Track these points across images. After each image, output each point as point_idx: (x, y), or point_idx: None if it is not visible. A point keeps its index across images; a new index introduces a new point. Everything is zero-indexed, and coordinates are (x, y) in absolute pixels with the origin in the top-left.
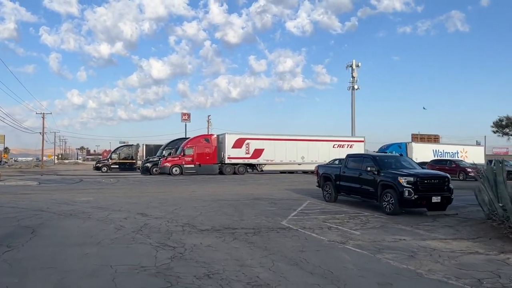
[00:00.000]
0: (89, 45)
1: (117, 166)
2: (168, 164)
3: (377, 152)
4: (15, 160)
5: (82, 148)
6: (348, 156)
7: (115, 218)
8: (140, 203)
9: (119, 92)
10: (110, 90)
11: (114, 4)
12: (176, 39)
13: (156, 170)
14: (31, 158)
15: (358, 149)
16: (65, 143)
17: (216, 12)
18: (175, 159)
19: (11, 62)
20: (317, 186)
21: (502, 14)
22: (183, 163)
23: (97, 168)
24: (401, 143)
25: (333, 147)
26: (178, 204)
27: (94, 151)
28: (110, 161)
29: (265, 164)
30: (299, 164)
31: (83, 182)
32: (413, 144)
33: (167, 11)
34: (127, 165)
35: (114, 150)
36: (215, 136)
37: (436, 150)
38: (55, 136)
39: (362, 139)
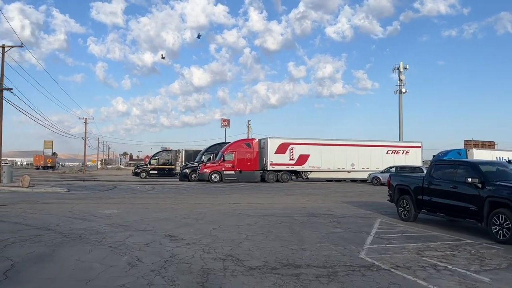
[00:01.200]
0: (133, 54)
1: (156, 172)
2: (207, 171)
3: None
4: (62, 165)
5: (125, 154)
6: (435, 163)
7: (133, 244)
8: (171, 219)
9: (162, 100)
10: (153, 98)
11: (157, 14)
12: (216, 47)
13: (194, 177)
14: (77, 163)
15: (415, 155)
16: (109, 148)
17: (256, 20)
18: (215, 165)
19: (61, 71)
20: (388, 200)
21: None
22: (223, 169)
23: (136, 174)
24: (460, 149)
25: (387, 153)
26: (218, 221)
27: (137, 156)
28: (149, 166)
29: (310, 171)
30: (348, 172)
31: (116, 189)
32: (474, 150)
33: (208, 20)
34: (166, 171)
35: (153, 156)
36: (257, 140)
37: (500, 158)
38: (98, 142)
39: (419, 144)
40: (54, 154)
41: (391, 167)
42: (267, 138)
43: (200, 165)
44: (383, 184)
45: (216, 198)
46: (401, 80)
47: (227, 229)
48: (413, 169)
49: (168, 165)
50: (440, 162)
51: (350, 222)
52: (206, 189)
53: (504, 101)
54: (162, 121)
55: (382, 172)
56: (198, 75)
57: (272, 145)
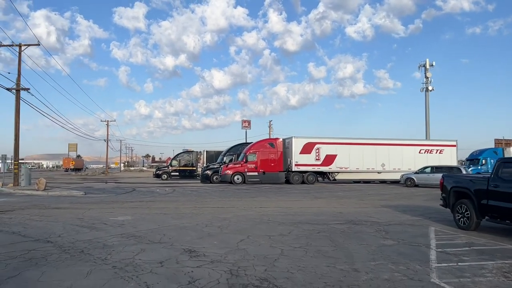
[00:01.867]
0: (155, 58)
1: (177, 173)
2: (230, 172)
3: (467, 159)
4: (86, 168)
5: (147, 156)
6: (503, 161)
7: (144, 263)
8: (192, 228)
9: (183, 102)
10: (174, 101)
11: (177, 18)
12: (236, 49)
13: (216, 178)
14: (101, 166)
15: (450, 154)
16: (132, 150)
17: (275, 21)
18: (237, 166)
19: (85, 76)
20: (441, 205)
21: None
22: (246, 170)
23: (157, 176)
24: (497, 148)
25: (419, 152)
26: (245, 230)
27: (160, 158)
28: (170, 168)
29: (338, 172)
30: (378, 173)
31: (134, 192)
32: None
33: (228, 22)
34: (187, 173)
35: (174, 157)
36: (281, 140)
37: None
38: (120, 144)
39: (454, 143)
40: (78, 156)
41: (425, 167)
42: (291, 137)
43: (222, 166)
44: (417, 186)
45: (240, 201)
46: (427, 78)
47: (256, 240)
48: (450, 169)
49: (190, 167)
50: (510, 160)
51: (399, 232)
52: (229, 192)
53: None
54: (183, 124)
55: (416, 173)
56: (219, 78)
57: (297, 145)
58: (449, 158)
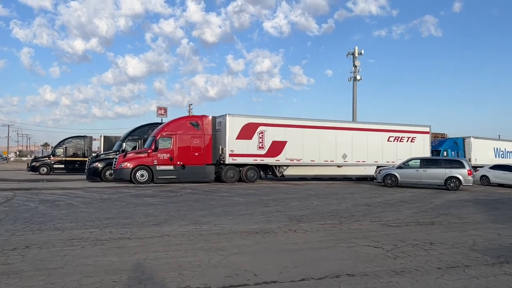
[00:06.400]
0: (62, 40)
1: (63, 165)
2: (129, 165)
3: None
4: None
5: (46, 145)
6: None
7: None
8: None
9: (94, 89)
10: (84, 87)
11: None
12: (152, 36)
13: (110, 174)
14: None
15: (423, 144)
16: (29, 139)
17: (194, 10)
18: (142, 156)
19: None
20: None
21: (474, 20)
22: (155, 162)
23: (33, 169)
24: (457, 138)
25: (388, 140)
26: None
27: None
28: (52, 158)
29: (287, 165)
30: (338, 166)
31: None
32: (472, 139)
33: (144, 8)
34: (76, 164)
35: (59, 144)
36: (210, 119)
37: (497, 149)
38: (8, 129)
39: (427, 129)
40: None
41: (410, 160)
42: (225, 115)
43: (118, 156)
44: (399, 186)
45: (127, 246)
46: (356, 67)
47: None
48: (447, 162)
49: (81, 157)
50: None
51: None
52: (116, 206)
53: (434, 98)
54: (94, 112)
55: (399, 167)
56: (133, 65)
57: (233, 126)
58: (421, 147)
